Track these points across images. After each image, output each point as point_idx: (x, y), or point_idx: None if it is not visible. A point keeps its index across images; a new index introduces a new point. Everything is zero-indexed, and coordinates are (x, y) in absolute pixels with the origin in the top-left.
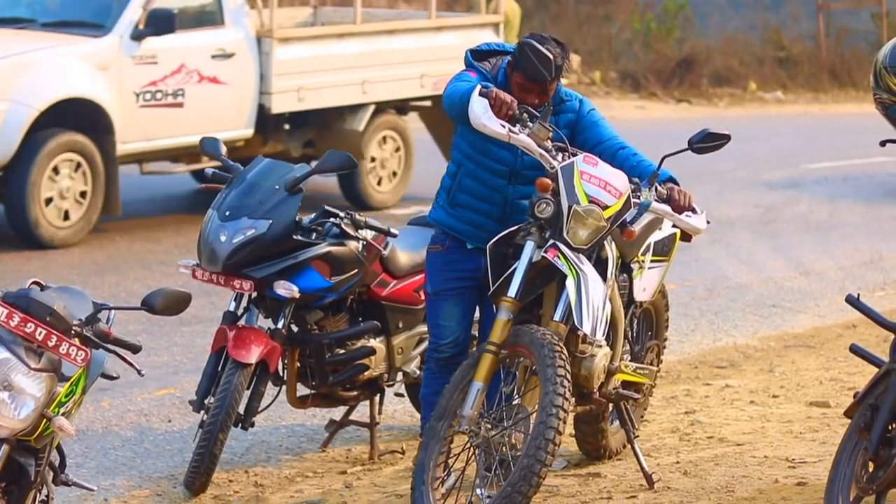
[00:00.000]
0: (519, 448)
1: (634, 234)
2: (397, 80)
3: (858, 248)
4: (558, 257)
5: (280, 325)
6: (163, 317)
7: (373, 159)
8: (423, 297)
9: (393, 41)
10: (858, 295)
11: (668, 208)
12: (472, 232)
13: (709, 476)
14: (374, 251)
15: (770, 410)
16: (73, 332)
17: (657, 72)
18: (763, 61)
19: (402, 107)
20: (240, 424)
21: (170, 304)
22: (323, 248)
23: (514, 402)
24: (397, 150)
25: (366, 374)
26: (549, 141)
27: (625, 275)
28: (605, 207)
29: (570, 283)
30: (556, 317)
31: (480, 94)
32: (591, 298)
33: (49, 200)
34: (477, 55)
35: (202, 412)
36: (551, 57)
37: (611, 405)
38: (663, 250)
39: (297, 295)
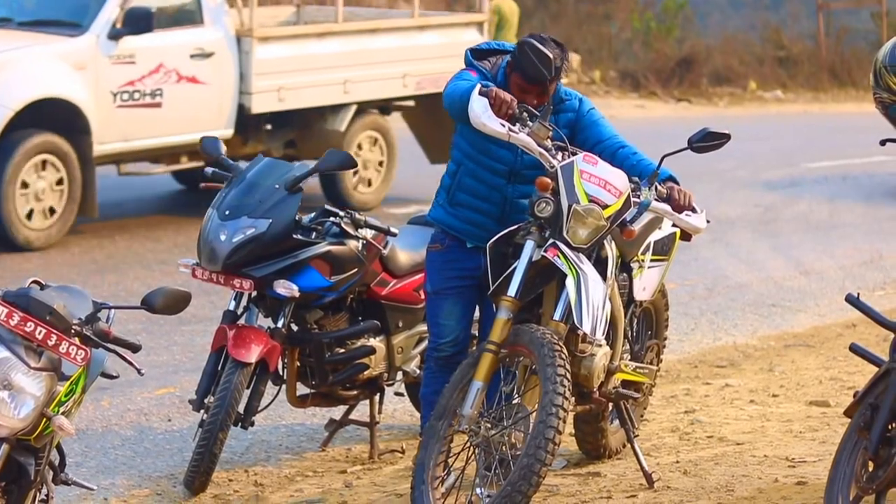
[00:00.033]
0: (519, 447)
1: (634, 234)
2: (379, 79)
3: (858, 247)
4: (558, 256)
5: (280, 324)
6: (163, 316)
7: None
8: (422, 297)
9: (375, 40)
10: (858, 294)
11: (667, 207)
12: (471, 231)
13: (708, 475)
14: (374, 250)
15: (770, 410)
16: (72, 331)
17: (657, 71)
18: (763, 60)
19: (385, 107)
20: (240, 423)
21: (169, 304)
22: (323, 248)
23: (514, 402)
24: (380, 150)
25: (366, 373)
26: (548, 140)
27: (625, 274)
28: (605, 206)
29: (569, 283)
30: (556, 316)
31: (480, 93)
32: (591, 298)
33: (24, 202)
34: (477, 54)
35: (202, 411)
36: (551, 56)
37: (610, 404)
38: (663, 249)
39: (297, 294)
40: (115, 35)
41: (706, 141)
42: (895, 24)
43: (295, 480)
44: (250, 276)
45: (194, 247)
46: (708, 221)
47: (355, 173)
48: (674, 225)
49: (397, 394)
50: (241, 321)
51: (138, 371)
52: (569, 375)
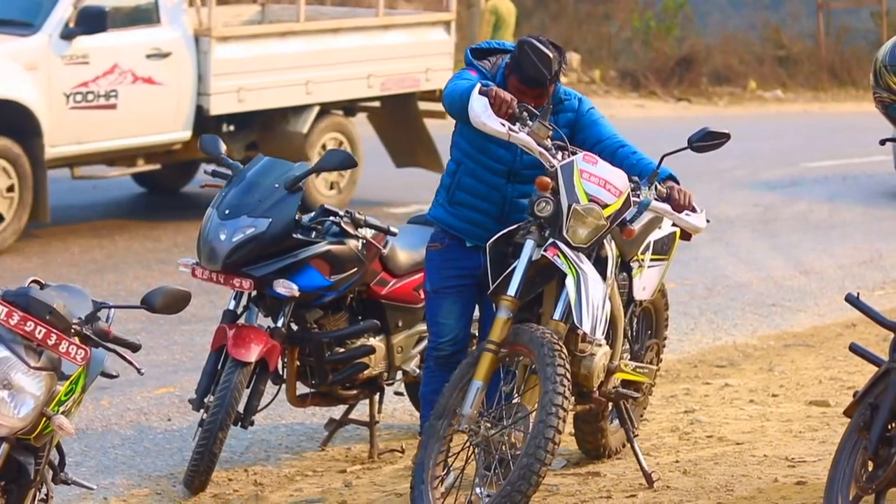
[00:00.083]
0: (518, 447)
1: (634, 233)
2: (343, 80)
3: (858, 246)
4: (558, 256)
5: (280, 323)
6: (162, 315)
7: None
8: (422, 296)
9: (338, 40)
10: (858, 294)
11: (667, 207)
12: (471, 230)
13: (708, 475)
14: (374, 250)
15: (769, 409)
16: (72, 330)
17: (657, 70)
18: (763, 60)
19: (349, 108)
20: (239, 423)
21: (169, 303)
22: (322, 247)
23: (514, 401)
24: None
25: (365, 372)
26: (548, 140)
27: (624, 273)
28: (605, 206)
29: (569, 282)
30: (556, 315)
31: (480, 92)
32: (591, 297)
33: None
34: (477, 53)
35: (202, 411)
36: (551, 55)
37: (610, 404)
38: (663, 249)
39: (297, 293)
40: (68, 35)
41: (706, 140)
42: (895, 23)
43: (294, 480)
44: (250, 275)
45: (194, 246)
46: (708, 221)
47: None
48: (674, 224)
49: (397, 393)
50: (241, 321)
51: (138, 370)
52: (568, 375)
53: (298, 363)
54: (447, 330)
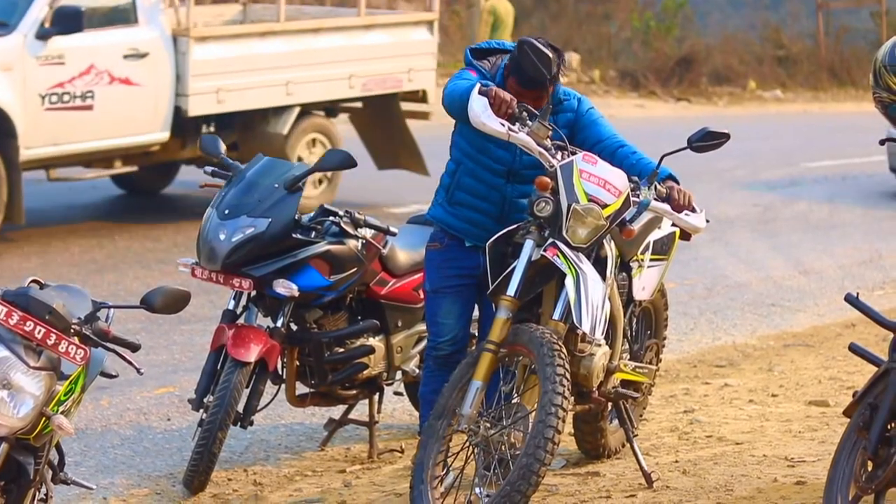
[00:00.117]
0: (518, 447)
1: (634, 233)
2: (324, 80)
3: (858, 246)
4: (557, 256)
5: (279, 323)
6: (162, 315)
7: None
8: (422, 296)
9: (319, 40)
10: (857, 294)
11: (667, 207)
12: (470, 230)
13: (708, 475)
14: (374, 250)
15: (769, 409)
16: (72, 330)
17: (656, 70)
18: (762, 60)
19: (331, 109)
20: (239, 423)
21: (169, 303)
22: (322, 247)
23: (514, 401)
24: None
25: (365, 372)
26: (548, 139)
27: (624, 273)
28: (605, 206)
29: (569, 282)
30: (556, 315)
31: (480, 92)
32: (591, 297)
33: None
34: (476, 53)
35: (201, 411)
36: (551, 55)
37: (610, 404)
38: (662, 249)
39: (297, 293)
40: (43, 35)
41: (705, 140)
42: (895, 23)
43: (294, 480)
44: (249, 275)
45: (194, 246)
46: (707, 221)
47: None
48: (673, 224)
49: (396, 393)
50: (241, 320)
51: (137, 370)
52: (568, 375)
53: (298, 363)
54: (446, 330)
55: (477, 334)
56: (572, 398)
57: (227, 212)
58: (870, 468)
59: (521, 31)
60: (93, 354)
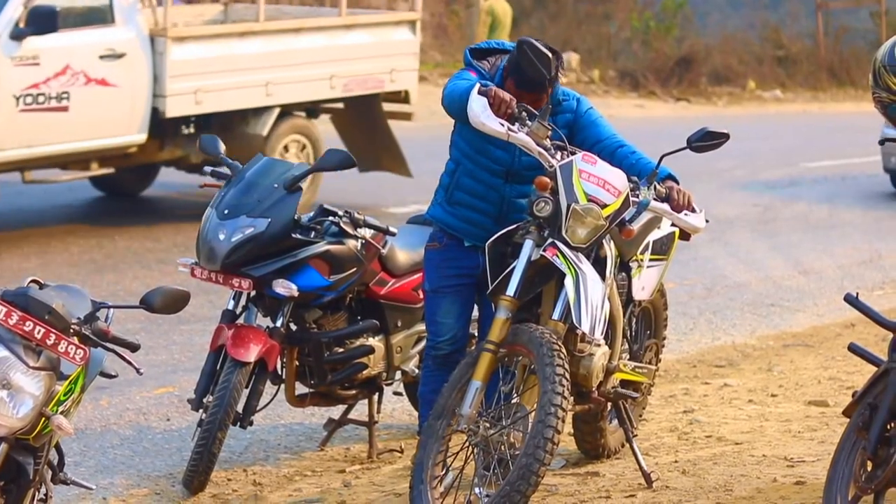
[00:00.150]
0: (517, 447)
1: (633, 233)
2: (304, 81)
3: (857, 246)
4: (557, 256)
5: (279, 323)
6: (161, 315)
7: None
8: (421, 296)
9: (299, 40)
10: (857, 294)
11: (666, 207)
12: (469, 230)
13: (707, 475)
14: (373, 250)
15: (768, 409)
16: (71, 330)
17: (656, 70)
18: (762, 60)
19: (312, 109)
20: (238, 423)
21: (168, 303)
22: (322, 247)
23: (513, 401)
24: (306, 155)
25: (364, 372)
26: (547, 140)
27: (623, 273)
28: (604, 206)
29: (568, 282)
30: (555, 315)
31: (479, 92)
32: (590, 297)
33: None
34: (476, 54)
35: (201, 411)
36: (550, 55)
37: (609, 404)
38: (662, 249)
39: (296, 293)
40: (17, 35)
41: (705, 140)
42: (894, 23)
43: (294, 480)
44: (249, 275)
45: (193, 246)
46: (707, 221)
47: None
48: (673, 224)
49: (396, 393)
50: (240, 320)
51: (137, 370)
52: (567, 375)
53: (297, 363)
54: (446, 329)
55: (477, 334)
56: (572, 398)
57: (226, 212)
58: (869, 468)
59: (520, 32)
60: (92, 354)
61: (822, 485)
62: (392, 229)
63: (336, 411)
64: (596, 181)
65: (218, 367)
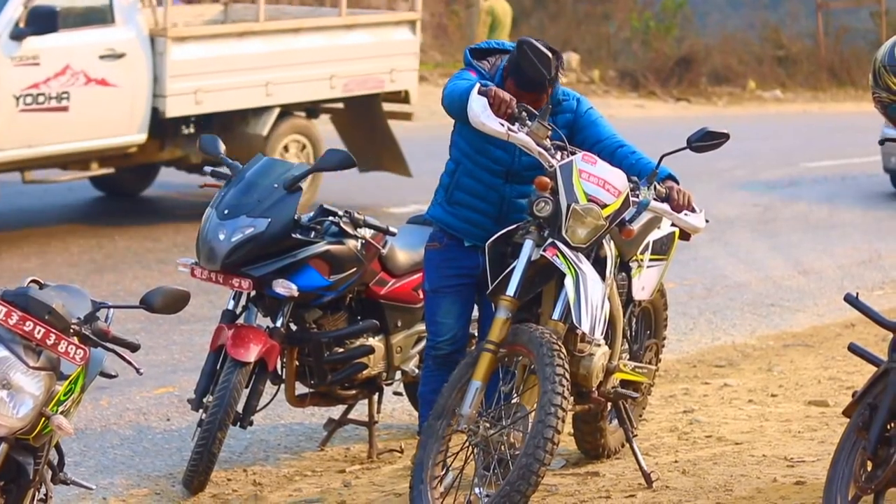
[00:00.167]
0: (517, 447)
1: (633, 233)
2: (304, 81)
3: (857, 246)
4: (557, 256)
5: (279, 323)
6: (161, 315)
7: None
8: (421, 296)
9: (299, 40)
10: (857, 294)
11: (666, 207)
12: (469, 230)
13: (707, 475)
14: (373, 250)
15: (768, 409)
16: (71, 330)
17: (656, 70)
18: (762, 60)
19: (312, 109)
20: (238, 423)
21: (168, 303)
22: (322, 247)
23: (513, 401)
24: (306, 155)
25: (364, 372)
26: (547, 139)
27: (623, 273)
28: (604, 206)
29: (568, 282)
30: (555, 315)
31: (479, 92)
32: (590, 297)
33: None
34: (476, 54)
35: (201, 411)
36: (550, 55)
37: (609, 404)
38: (662, 249)
39: (296, 293)
40: (17, 35)
41: (705, 140)
42: (894, 23)
43: (294, 480)
44: (249, 275)
45: (193, 246)
46: (707, 221)
47: None
48: (673, 224)
49: (396, 393)
50: (240, 320)
51: (137, 370)
52: (567, 375)
53: (297, 363)
54: (445, 329)
55: (477, 334)
56: (572, 398)
57: (226, 212)
58: (869, 468)
59: (520, 32)
60: (92, 354)
61: (822, 485)
62: (392, 229)
63: (336, 411)
64: (596, 181)
65: (218, 367)
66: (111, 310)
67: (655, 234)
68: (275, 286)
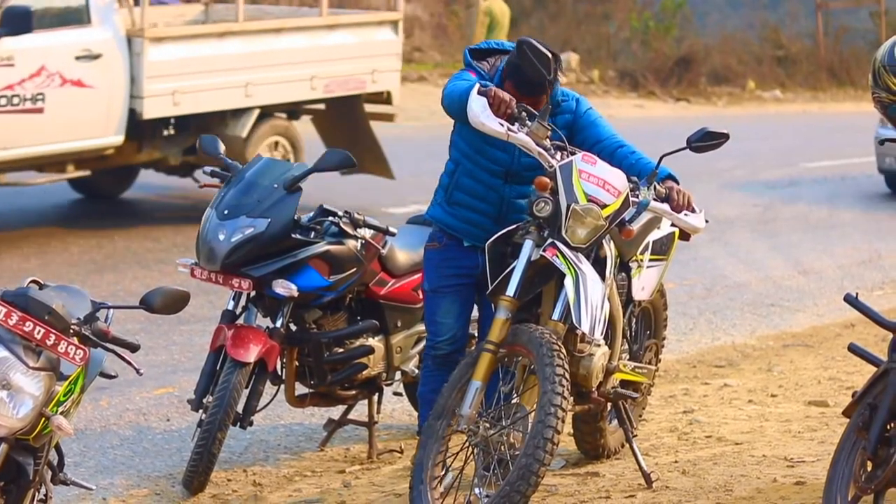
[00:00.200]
0: (517, 447)
1: (633, 233)
2: (284, 82)
3: (857, 247)
4: (557, 256)
5: (279, 323)
6: (161, 315)
7: None
8: (421, 296)
9: (280, 40)
10: (857, 294)
11: (666, 207)
12: (468, 230)
13: (707, 475)
14: (373, 250)
15: (768, 409)
16: (71, 330)
17: (656, 70)
18: (762, 60)
19: (293, 111)
20: (238, 423)
21: (168, 303)
22: (321, 247)
23: (513, 401)
24: (288, 158)
25: (364, 373)
26: (547, 140)
27: (623, 274)
28: (604, 206)
29: (568, 282)
30: (555, 316)
31: (479, 92)
32: (590, 297)
33: None
34: (476, 54)
35: (200, 411)
36: (550, 55)
37: (609, 404)
38: (662, 249)
39: (296, 294)
40: None
41: (705, 140)
42: (894, 23)
43: (293, 480)
44: (249, 275)
45: (193, 246)
46: (707, 221)
47: None
48: (673, 224)
49: (396, 393)
50: (240, 321)
51: (137, 371)
52: (567, 375)
53: (297, 363)
54: (445, 329)
55: (477, 334)
56: (571, 398)
57: (226, 212)
58: (869, 468)
59: (519, 32)
60: (92, 355)
61: (822, 485)
62: (392, 229)
63: (336, 411)
64: (596, 181)
65: (218, 368)
66: (111, 310)
67: (655, 235)
68: (275, 286)
